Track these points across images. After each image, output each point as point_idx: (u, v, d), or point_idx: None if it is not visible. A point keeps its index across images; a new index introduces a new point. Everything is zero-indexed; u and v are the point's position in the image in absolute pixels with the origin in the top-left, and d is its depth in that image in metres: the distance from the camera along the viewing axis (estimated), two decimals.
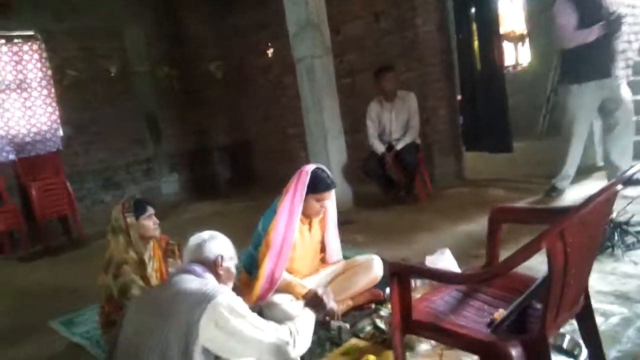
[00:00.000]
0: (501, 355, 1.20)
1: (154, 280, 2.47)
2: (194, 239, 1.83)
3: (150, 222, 2.47)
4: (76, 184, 5.82)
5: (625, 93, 3.77)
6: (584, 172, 4.31)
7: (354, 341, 2.21)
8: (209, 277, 1.68)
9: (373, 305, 2.55)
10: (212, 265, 1.75)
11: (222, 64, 7.23)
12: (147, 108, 6.63)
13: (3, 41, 5.47)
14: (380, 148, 4.67)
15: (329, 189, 2.50)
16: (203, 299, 1.52)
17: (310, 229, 2.61)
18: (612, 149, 3.82)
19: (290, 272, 2.53)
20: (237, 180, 7.48)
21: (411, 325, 1.39)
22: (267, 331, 1.59)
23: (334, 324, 2.30)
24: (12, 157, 5.44)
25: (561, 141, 3.97)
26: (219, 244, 1.81)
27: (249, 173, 7.62)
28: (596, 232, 1.33)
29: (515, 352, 1.21)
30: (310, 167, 2.51)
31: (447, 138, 5.27)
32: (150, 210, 2.49)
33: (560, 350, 1.79)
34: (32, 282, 4.15)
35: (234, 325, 1.52)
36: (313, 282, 2.62)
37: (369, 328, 2.29)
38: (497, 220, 1.61)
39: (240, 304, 1.58)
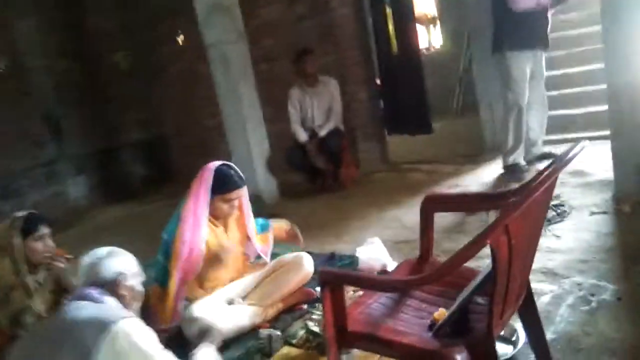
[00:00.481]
0: None
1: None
2: (88, 258, 1.57)
3: (39, 245, 2.12)
4: None
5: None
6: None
7: (286, 350, 2.05)
8: (109, 301, 1.44)
9: (305, 306, 2.40)
10: (112, 286, 1.50)
11: (130, 54, 6.70)
12: (46, 106, 5.99)
13: None
14: (302, 136, 4.53)
15: (237, 188, 2.29)
16: (100, 328, 1.28)
17: (226, 231, 2.40)
18: (530, 125, 3.88)
19: (213, 280, 2.31)
20: (153, 178, 7.00)
21: (347, 337, 1.24)
22: None
23: (263, 332, 2.12)
24: None
25: (506, 112, 3.77)
26: (118, 261, 1.58)
27: (166, 170, 7.17)
28: (539, 220, 1.26)
29: (460, 357, 1.10)
30: (213, 165, 2.30)
31: (369, 122, 5.21)
32: (42, 230, 2.14)
33: (498, 338, 1.73)
34: None
35: None
36: (239, 287, 2.43)
37: (301, 333, 2.13)
38: (429, 209, 1.50)
39: (144, 335, 1.35)
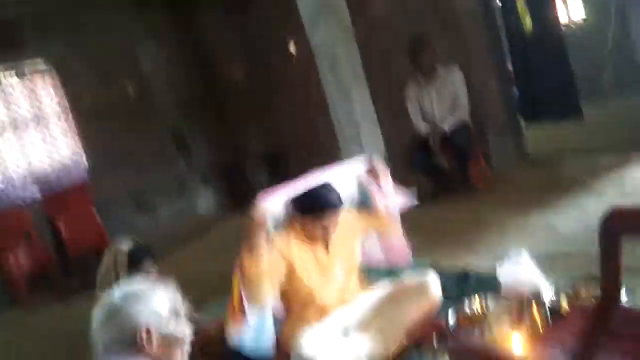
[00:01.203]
0: None
1: None
2: (100, 310, 1.22)
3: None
4: (105, 213, 5.54)
5: None
6: None
7: None
8: None
9: (435, 342, 1.95)
10: (139, 347, 1.17)
11: (248, 70, 6.82)
12: (173, 124, 6.32)
13: (14, 76, 5.25)
14: (423, 127, 4.15)
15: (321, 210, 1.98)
16: None
17: (327, 248, 2.07)
18: None
19: (316, 309, 1.99)
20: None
21: None
22: None
23: None
24: (37, 195, 5.24)
25: None
26: (139, 306, 1.20)
27: (289, 179, 7.15)
28: None
29: None
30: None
31: (502, 113, 4.58)
32: (147, 266, 2.07)
33: None
34: (59, 327, 3.86)
35: None
36: (355, 314, 2.05)
37: None
38: (616, 230, 0.99)
39: None
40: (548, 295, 1.94)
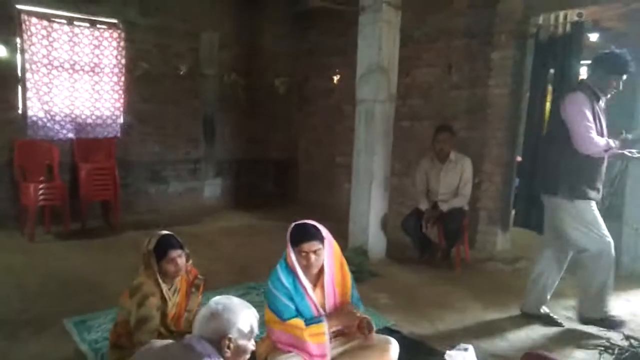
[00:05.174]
0: None
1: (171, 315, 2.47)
2: (206, 310, 1.66)
3: (170, 266, 2.43)
4: (124, 171, 5.98)
5: None
6: None
7: None
8: (213, 358, 1.56)
9: None
10: (219, 344, 1.60)
11: (288, 80, 7.28)
12: (208, 110, 6.75)
13: (87, 24, 5.70)
14: (424, 204, 4.53)
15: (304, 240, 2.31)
16: None
17: (314, 288, 2.44)
18: None
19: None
20: (278, 196, 7.49)
21: None
22: None
23: None
24: (71, 135, 5.65)
25: None
26: (231, 319, 1.63)
27: (291, 191, 7.62)
28: None
29: None
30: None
31: (497, 207, 5.04)
32: (173, 254, 2.44)
33: None
34: (61, 265, 4.27)
35: None
36: None
37: None
38: None
39: None
40: None
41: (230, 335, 1.62)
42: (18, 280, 3.85)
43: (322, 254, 2.37)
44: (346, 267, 2.51)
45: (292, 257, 2.34)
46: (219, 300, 1.69)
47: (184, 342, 1.61)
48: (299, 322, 2.30)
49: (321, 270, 2.42)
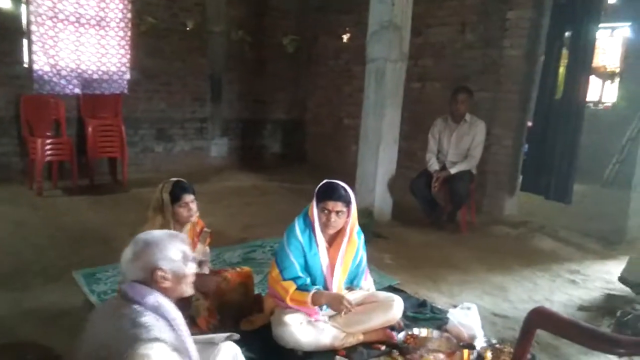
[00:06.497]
0: None
1: None
2: (127, 252, 1.53)
3: (184, 210, 2.47)
4: (131, 129, 5.96)
5: None
6: None
7: None
8: (149, 300, 1.46)
9: (383, 347, 2.47)
10: (153, 282, 1.49)
11: (297, 39, 7.13)
12: (214, 69, 6.65)
13: None
14: (434, 166, 4.50)
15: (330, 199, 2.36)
16: (125, 345, 1.33)
17: (328, 248, 2.49)
18: None
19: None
20: (285, 157, 7.47)
21: None
22: None
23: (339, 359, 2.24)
24: (77, 91, 5.58)
25: None
26: (156, 252, 1.51)
27: (297, 152, 7.59)
28: None
29: None
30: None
31: (506, 171, 5.01)
32: (187, 198, 2.48)
33: None
34: (70, 219, 4.31)
35: None
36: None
37: None
38: (533, 324, 1.47)
39: None
40: (480, 343, 2.47)
41: (160, 266, 1.51)
42: (28, 233, 3.89)
43: (343, 218, 2.42)
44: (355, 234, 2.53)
45: (315, 211, 2.41)
46: (137, 239, 1.57)
47: (124, 292, 1.49)
48: (289, 284, 2.37)
49: (338, 233, 2.47)
